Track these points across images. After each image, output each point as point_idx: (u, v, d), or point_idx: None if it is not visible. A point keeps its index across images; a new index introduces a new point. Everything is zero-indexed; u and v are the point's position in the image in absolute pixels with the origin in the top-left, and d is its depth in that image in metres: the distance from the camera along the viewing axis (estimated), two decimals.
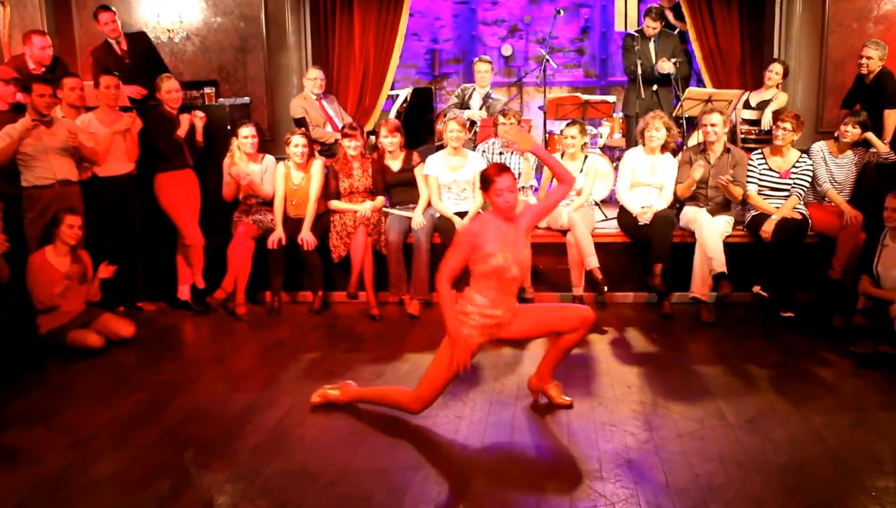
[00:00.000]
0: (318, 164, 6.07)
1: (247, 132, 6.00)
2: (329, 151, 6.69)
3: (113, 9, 6.64)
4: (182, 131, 5.86)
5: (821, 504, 3.08)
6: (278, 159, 6.15)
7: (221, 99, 6.68)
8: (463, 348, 3.67)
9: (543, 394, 4.10)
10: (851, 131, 5.78)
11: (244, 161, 6.04)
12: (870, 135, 5.81)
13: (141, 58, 6.70)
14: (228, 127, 6.28)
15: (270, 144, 6.94)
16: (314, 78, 6.86)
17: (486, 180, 3.74)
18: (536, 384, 4.12)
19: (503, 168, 3.75)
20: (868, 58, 6.03)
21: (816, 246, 5.77)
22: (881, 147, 5.81)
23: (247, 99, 7.02)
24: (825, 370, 4.57)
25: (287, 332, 5.50)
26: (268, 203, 6.08)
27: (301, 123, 6.77)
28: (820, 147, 5.94)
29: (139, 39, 6.94)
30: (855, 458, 3.46)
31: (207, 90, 6.53)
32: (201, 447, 3.67)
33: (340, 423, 3.90)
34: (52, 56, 6.26)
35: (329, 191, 6.06)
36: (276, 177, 6.01)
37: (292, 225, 5.95)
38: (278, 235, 5.87)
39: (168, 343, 5.36)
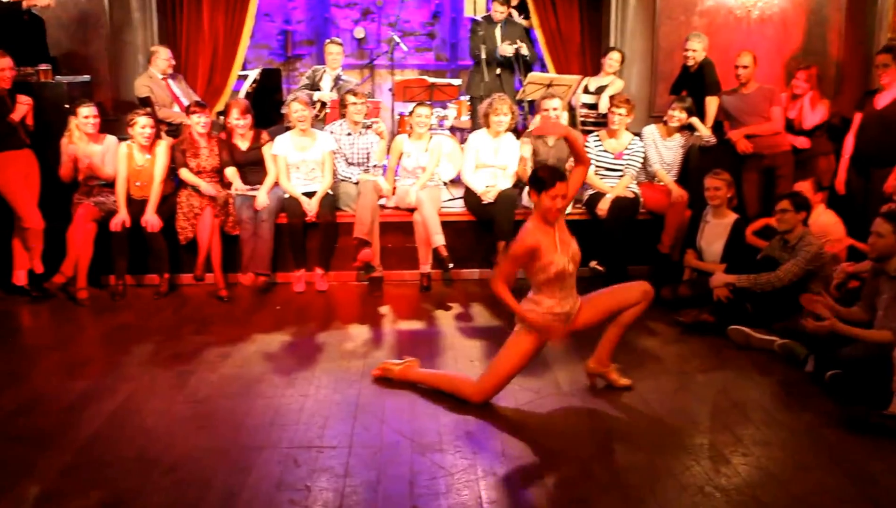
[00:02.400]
0: (163, 144, 5.79)
1: (87, 112, 5.64)
2: (176, 131, 6.37)
3: None
4: (16, 115, 5.44)
5: (642, 463, 3.21)
6: (122, 140, 5.81)
7: (59, 77, 6.21)
8: (550, 330, 3.64)
9: (603, 378, 3.96)
10: (678, 116, 6.05)
11: (84, 141, 5.67)
12: (694, 120, 6.10)
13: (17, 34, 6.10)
14: (67, 106, 5.86)
15: (114, 123, 6.52)
16: (164, 58, 6.50)
17: (543, 183, 3.60)
18: (596, 367, 3.96)
19: (561, 175, 3.64)
20: (693, 49, 6.33)
21: (647, 223, 6.01)
22: (703, 131, 6.12)
23: (87, 77, 6.56)
24: (652, 338, 4.78)
25: (132, 316, 5.22)
26: (110, 185, 5.73)
27: (146, 102, 6.40)
28: (651, 130, 6.19)
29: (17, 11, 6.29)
30: (675, 419, 3.64)
31: (43, 67, 6.04)
32: (34, 438, 3.41)
33: (181, 408, 3.73)
34: None
35: (177, 162, 5.80)
36: (119, 157, 5.68)
37: (136, 207, 5.64)
38: (121, 217, 5.54)
39: (1, 331, 4.97)
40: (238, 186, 5.80)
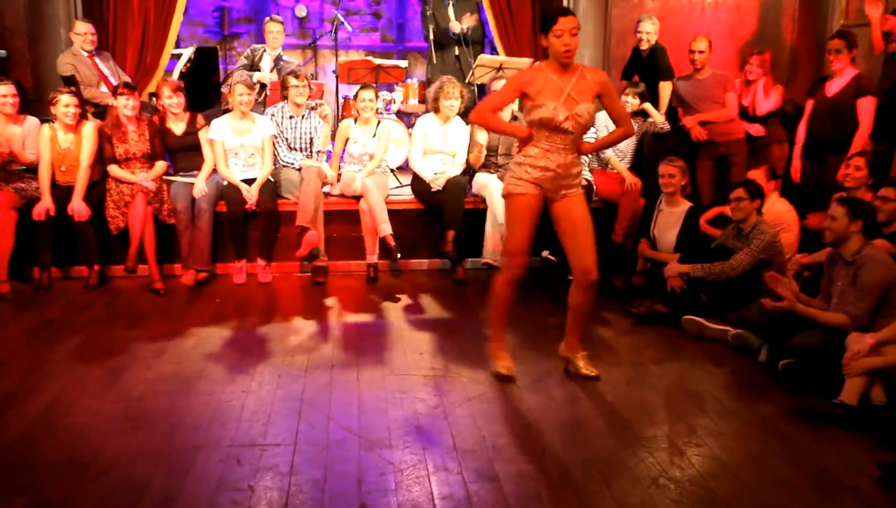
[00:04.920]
0: (89, 126, 5.67)
1: (4, 91, 5.52)
2: (104, 113, 6.25)
3: None
4: None
5: (596, 456, 3.28)
6: (44, 121, 5.68)
7: None
8: (521, 129, 3.89)
9: (573, 364, 4.11)
10: (631, 102, 6.15)
11: (2, 123, 5.55)
12: (647, 106, 6.22)
13: None
14: None
15: (35, 103, 6.38)
16: (83, 32, 6.37)
17: (549, 20, 3.65)
18: (565, 352, 4.15)
19: (566, 10, 3.70)
20: (647, 31, 6.45)
21: (600, 211, 6.08)
22: (657, 117, 6.24)
23: (3, 52, 6.39)
24: (605, 329, 4.88)
25: (58, 311, 5.13)
26: (32, 170, 5.61)
27: (70, 81, 6.27)
28: (603, 116, 6.19)
29: None
30: (629, 411, 3.73)
31: None
32: None
33: (114, 408, 3.68)
34: None
35: (106, 156, 5.68)
36: (41, 140, 5.56)
37: (62, 194, 5.53)
38: (45, 205, 5.43)
39: None
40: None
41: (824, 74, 6.05)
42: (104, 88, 6.45)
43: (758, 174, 5.41)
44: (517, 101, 4.03)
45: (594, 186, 6.04)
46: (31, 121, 5.69)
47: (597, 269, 3.94)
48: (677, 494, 2.99)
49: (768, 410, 3.76)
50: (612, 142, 4.19)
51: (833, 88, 5.68)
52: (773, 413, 3.72)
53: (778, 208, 5.43)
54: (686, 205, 5.43)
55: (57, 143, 5.58)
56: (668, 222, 5.44)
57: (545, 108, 3.70)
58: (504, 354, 4.10)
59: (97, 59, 6.50)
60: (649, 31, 6.44)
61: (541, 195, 3.87)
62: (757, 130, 6.23)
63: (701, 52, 6.16)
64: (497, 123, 4.09)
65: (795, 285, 4.45)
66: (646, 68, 6.48)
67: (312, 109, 6.18)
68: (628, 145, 6.21)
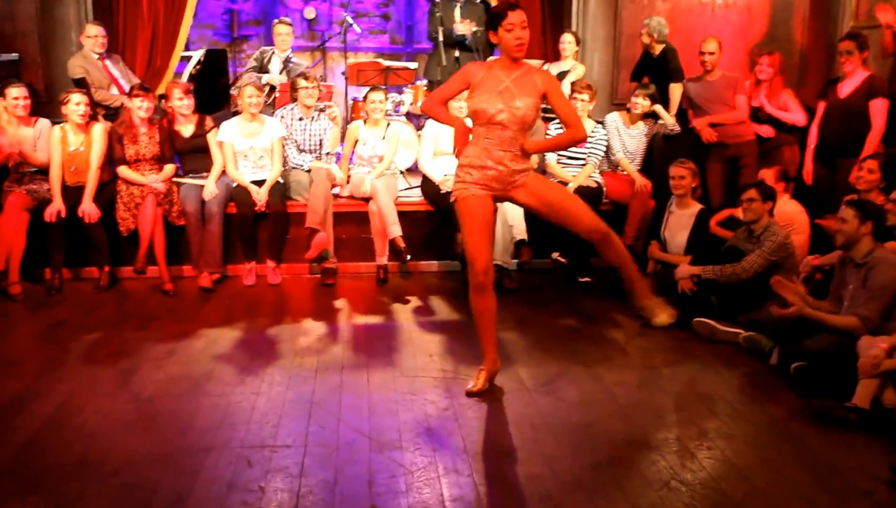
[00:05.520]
0: (100, 127, 5.70)
1: (17, 93, 5.54)
2: (114, 115, 6.27)
3: None
4: None
5: (607, 459, 3.27)
6: (55, 123, 5.70)
7: None
8: (462, 131, 3.80)
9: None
10: (641, 103, 6.15)
11: (13, 125, 5.57)
12: (658, 107, 6.21)
13: None
14: None
15: (46, 106, 6.41)
16: (93, 35, 6.39)
17: (497, 16, 3.60)
18: (637, 302, 4.05)
19: (513, 6, 3.62)
20: (639, 34, 6.47)
21: (610, 213, 6.08)
22: (667, 119, 6.23)
23: (15, 55, 6.42)
24: (616, 332, 4.87)
25: (69, 312, 5.15)
26: (43, 171, 5.63)
27: (81, 84, 6.29)
28: (613, 118, 6.28)
29: None
30: (640, 414, 3.72)
31: None
32: None
33: (125, 409, 3.69)
34: None
35: (115, 157, 5.71)
36: (52, 142, 5.59)
37: (73, 195, 5.55)
38: (56, 206, 5.46)
39: None
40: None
41: (835, 76, 6.03)
42: (114, 91, 6.47)
43: (768, 175, 5.39)
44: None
45: (604, 189, 6.03)
46: (43, 123, 5.71)
47: (600, 221, 3.88)
48: (689, 497, 2.98)
49: (780, 413, 3.74)
50: (560, 144, 4.06)
51: (845, 89, 5.66)
52: (784, 416, 3.70)
53: (789, 210, 5.41)
54: (696, 207, 5.42)
55: (67, 144, 5.60)
56: (679, 223, 5.43)
57: (479, 98, 3.63)
58: (482, 373, 3.91)
59: (107, 62, 6.52)
60: (641, 32, 6.45)
61: (488, 196, 3.73)
62: (766, 131, 6.21)
63: (711, 53, 6.14)
64: (442, 114, 3.94)
65: (802, 288, 4.43)
66: (656, 70, 6.46)
67: (321, 110, 6.21)
68: (638, 147, 6.20)
